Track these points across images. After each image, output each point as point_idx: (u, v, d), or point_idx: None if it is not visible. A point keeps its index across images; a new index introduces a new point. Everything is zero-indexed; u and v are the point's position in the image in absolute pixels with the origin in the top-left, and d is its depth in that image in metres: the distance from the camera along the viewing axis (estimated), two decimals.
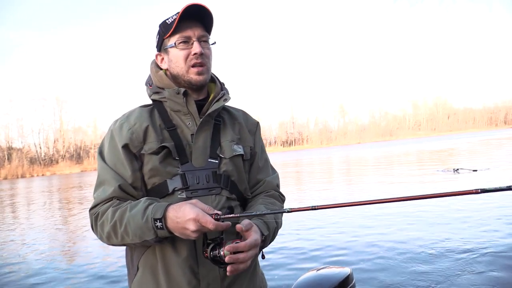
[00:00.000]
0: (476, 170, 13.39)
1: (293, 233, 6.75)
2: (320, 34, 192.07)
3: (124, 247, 1.40)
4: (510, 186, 0.89)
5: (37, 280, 5.55)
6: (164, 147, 1.31)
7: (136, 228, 1.19)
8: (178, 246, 1.27)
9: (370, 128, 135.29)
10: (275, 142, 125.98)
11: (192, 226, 1.11)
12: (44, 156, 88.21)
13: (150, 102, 1.46)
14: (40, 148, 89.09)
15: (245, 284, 1.37)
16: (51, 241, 8.51)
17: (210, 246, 1.18)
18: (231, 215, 1.17)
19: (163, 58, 1.43)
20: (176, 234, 1.16)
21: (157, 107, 1.41)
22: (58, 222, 11.34)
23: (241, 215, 1.21)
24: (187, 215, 1.12)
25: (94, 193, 1.33)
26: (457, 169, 13.93)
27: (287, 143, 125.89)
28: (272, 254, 5.62)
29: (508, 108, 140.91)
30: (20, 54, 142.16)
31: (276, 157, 58.59)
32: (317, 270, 2.30)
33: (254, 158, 1.51)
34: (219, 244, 1.18)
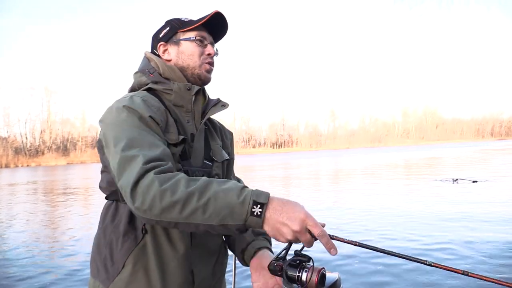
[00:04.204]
0: (476, 181, 13.27)
1: None
2: (314, 37, 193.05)
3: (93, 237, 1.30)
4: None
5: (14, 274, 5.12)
6: (184, 141, 1.23)
7: (224, 206, 0.98)
8: (175, 241, 1.20)
9: (359, 133, 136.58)
10: (264, 143, 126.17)
11: (296, 226, 0.97)
12: (30, 146, 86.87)
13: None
14: (26, 138, 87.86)
15: (223, 280, 1.43)
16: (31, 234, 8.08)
17: (296, 261, 1.04)
18: (341, 238, 1.02)
19: (167, 49, 1.38)
20: (268, 227, 1.00)
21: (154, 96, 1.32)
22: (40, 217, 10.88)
23: (350, 241, 1.05)
24: (296, 210, 0.99)
25: (127, 152, 1.06)
26: (456, 179, 13.83)
27: (276, 144, 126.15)
28: None
29: (495, 121, 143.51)
30: (11, 42, 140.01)
31: (265, 158, 58.53)
32: None
33: (230, 167, 1.53)
34: (305, 268, 1.03)
